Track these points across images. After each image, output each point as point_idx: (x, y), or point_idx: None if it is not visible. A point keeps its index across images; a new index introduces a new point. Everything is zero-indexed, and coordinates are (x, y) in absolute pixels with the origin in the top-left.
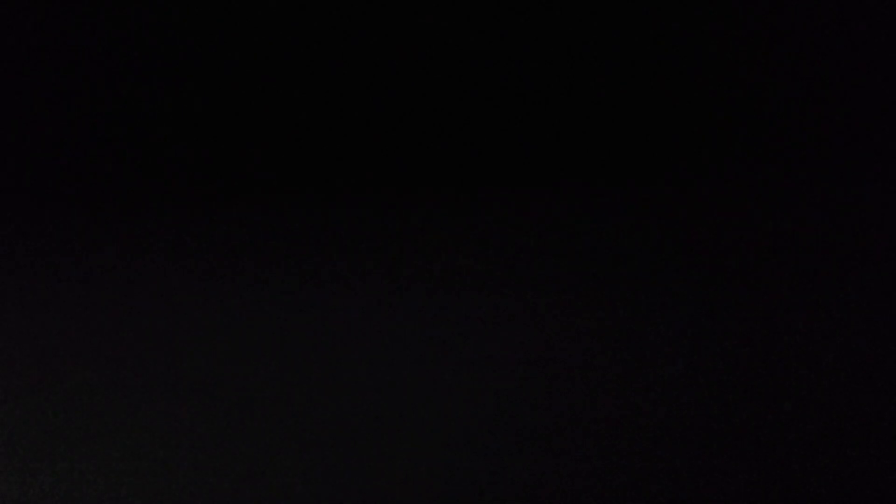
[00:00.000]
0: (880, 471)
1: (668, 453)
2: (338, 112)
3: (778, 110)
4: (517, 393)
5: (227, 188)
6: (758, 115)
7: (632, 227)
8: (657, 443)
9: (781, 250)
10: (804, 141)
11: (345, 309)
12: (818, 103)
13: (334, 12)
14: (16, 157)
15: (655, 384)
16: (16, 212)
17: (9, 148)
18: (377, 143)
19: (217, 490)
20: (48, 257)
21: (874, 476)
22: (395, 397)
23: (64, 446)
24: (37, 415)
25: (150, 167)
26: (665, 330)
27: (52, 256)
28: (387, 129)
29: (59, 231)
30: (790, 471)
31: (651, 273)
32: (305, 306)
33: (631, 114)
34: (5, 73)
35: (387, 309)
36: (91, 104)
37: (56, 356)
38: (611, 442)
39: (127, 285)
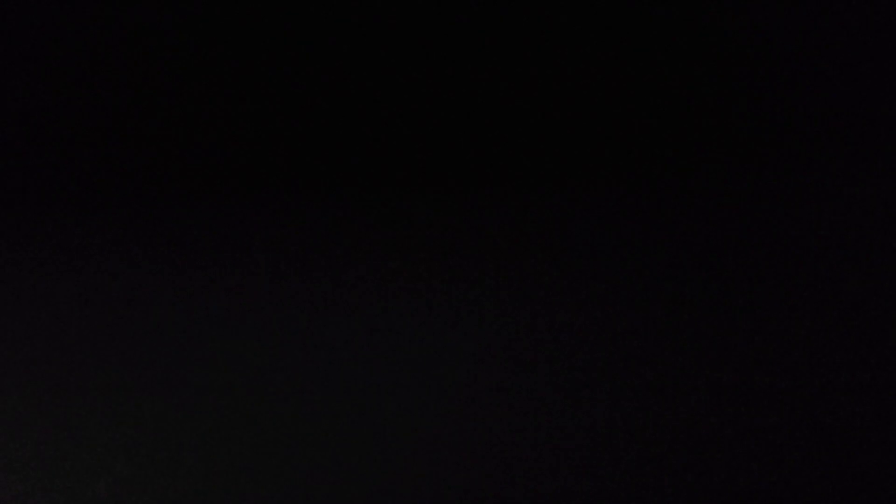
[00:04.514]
0: (880, 471)
1: (668, 453)
2: (336, 113)
3: (777, 110)
4: (515, 393)
5: (227, 188)
6: (757, 115)
7: (631, 227)
8: (656, 443)
9: (781, 250)
10: (804, 141)
11: (344, 309)
12: (818, 103)
13: (333, 13)
14: (15, 158)
15: (654, 384)
16: (16, 212)
17: (9, 148)
18: (376, 143)
19: (217, 490)
20: (48, 257)
21: (874, 476)
22: (393, 397)
23: (64, 447)
24: (37, 415)
25: (150, 167)
26: (664, 329)
27: (52, 256)
28: (385, 129)
29: (59, 231)
30: (790, 471)
31: (650, 273)
32: (304, 306)
33: (629, 113)
34: (5, 73)
35: (386, 309)
36: (90, 104)
37: (55, 356)
38: (609, 442)
39: (126, 285)
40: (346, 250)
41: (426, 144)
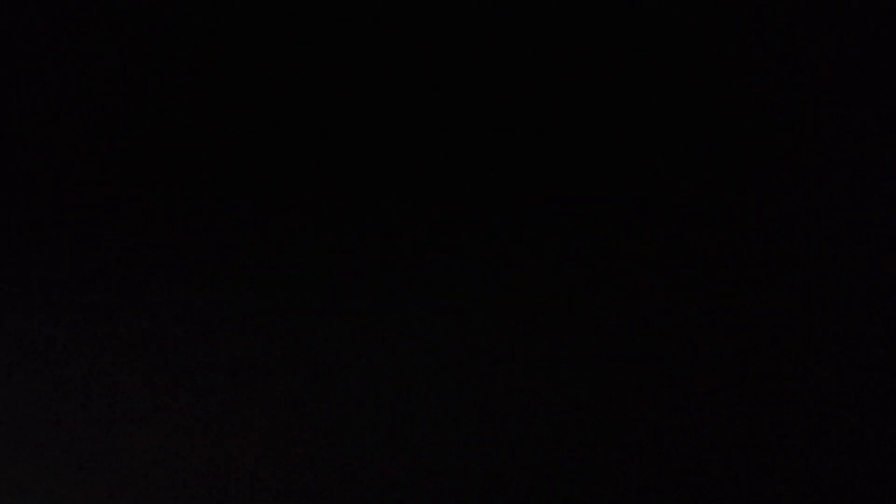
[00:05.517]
0: (880, 471)
1: (668, 453)
2: (337, 115)
3: (778, 111)
4: (515, 394)
5: (227, 189)
6: (757, 115)
7: (631, 228)
8: (655, 443)
9: (781, 250)
10: (804, 141)
11: (345, 310)
12: (818, 103)
13: (333, 16)
14: (16, 158)
15: (654, 384)
16: (16, 212)
17: (9, 148)
18: (376, 146)
19: (217, 490)
20: (48, 257)
21: (874, 476)
22: (393, 400)
23: (64, 446)
24: (37, 415)
25: (150, 168)
26: (663, 330)
27: (52, 256)
28: (387, 132)
29: (59, 231)
30: (789, 471)
31: (650, 273)
32: (304, 308)
33: (629, 115)
34: (5, 73)
35: (385, 311)
36: (90, 105)
37: (56, 356)
38: (608, 442)
39: (125, 285)
40: (346, 250)
41: (426, 145)
